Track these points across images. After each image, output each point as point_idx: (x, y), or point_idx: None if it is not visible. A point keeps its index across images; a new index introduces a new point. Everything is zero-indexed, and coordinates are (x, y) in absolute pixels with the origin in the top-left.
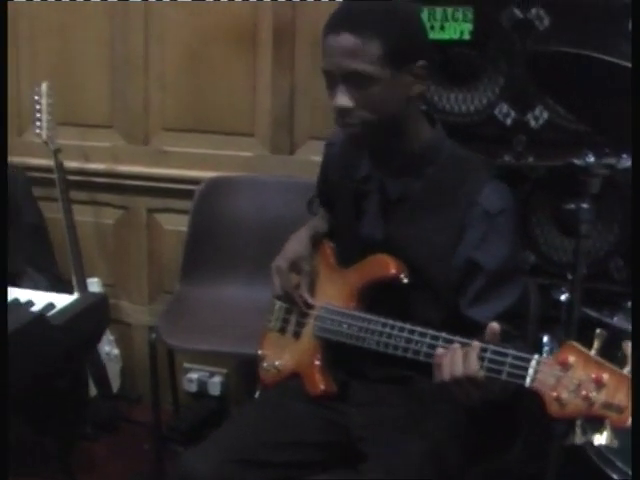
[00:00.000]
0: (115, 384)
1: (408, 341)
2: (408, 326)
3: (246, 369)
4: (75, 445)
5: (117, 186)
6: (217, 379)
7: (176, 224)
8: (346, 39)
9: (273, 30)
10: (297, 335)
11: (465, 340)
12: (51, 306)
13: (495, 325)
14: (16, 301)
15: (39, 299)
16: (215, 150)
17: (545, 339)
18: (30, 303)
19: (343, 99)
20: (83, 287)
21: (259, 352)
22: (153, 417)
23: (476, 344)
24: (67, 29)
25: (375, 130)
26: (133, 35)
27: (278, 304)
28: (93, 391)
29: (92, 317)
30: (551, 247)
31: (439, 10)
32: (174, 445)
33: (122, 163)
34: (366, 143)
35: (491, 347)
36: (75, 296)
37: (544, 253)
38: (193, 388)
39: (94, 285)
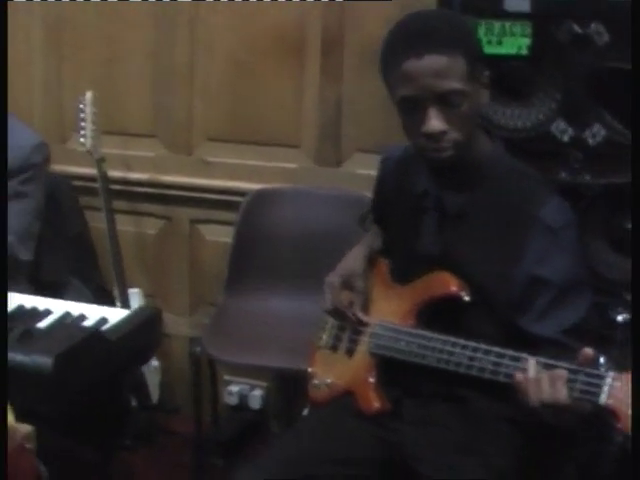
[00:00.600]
0: (154, 395)
1: (471, 359)
2: (471, 343)
3: (287, 383)
4: (114, 456)
5: (160, 196)
6: (257, 392)
7: (219, 235)
8: (433, 60)
9: (321, 40)
10: (350, 352)
11: (547, 360)
12: (104, 320)
13: (589, 351)
14: (68, 315)
15: (91, 313)
16: (259, 161)
17: (602, 360)
18: (82, 317)
19: (437, 123)
20: (125, 298)
21: (309, 370)
22: (194, 429)
23: (562, 373)
24: (112, 38)
25: (465, 150)
26: (178, 44)
27: (330, 321)
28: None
29: (146, 332)
30: (605, 265)
31: (497, 24)
32: (213, 458)
33: (165, 173)
34: (457, 165)
35: (582, 371)
36: (129, 310)
37: (598, 271)
38: (233, 401)
39: (135, 296)
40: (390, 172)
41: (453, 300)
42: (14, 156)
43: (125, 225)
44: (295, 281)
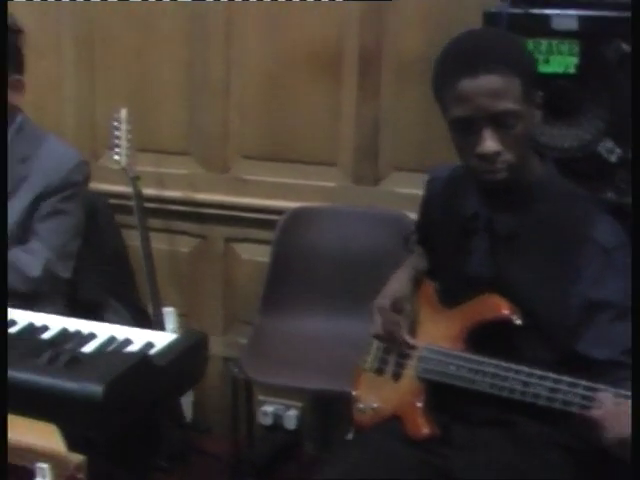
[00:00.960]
0: (187, 414)
1: (525, 384)
2: (525, 368)
3: (322, 403)
4: (149, 477)
5: (194, 214)
6: (292, 412)
7: (254, 254)
8: (488, 80)
9: (358, 56)
10: (397, 376)
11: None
12: (150, 345)
13: None
14: (114, 339)
15: (136, 337)
16: (296, 179)
17: None
18: (128, 341)
19: (492, 144)
20: (159, 317)
21: (353, 393)
22: (231, 450)
23: None
24: (145, 53)
25: (518, 172)
26: (212, 60)
27: (376, 344)
28: None
29: (193, 357)
30: None
31: (544, 43)
32: (248, 478)
33: (199, 191)
34: (509, 187)
35: None
36: (175, 335)
37: None
38: (268, 421)
39: (169, 315)
40: (437, 193)
41: (504, 324)
42: (54, 174)
43: (159, 243)
44: (332, 301)
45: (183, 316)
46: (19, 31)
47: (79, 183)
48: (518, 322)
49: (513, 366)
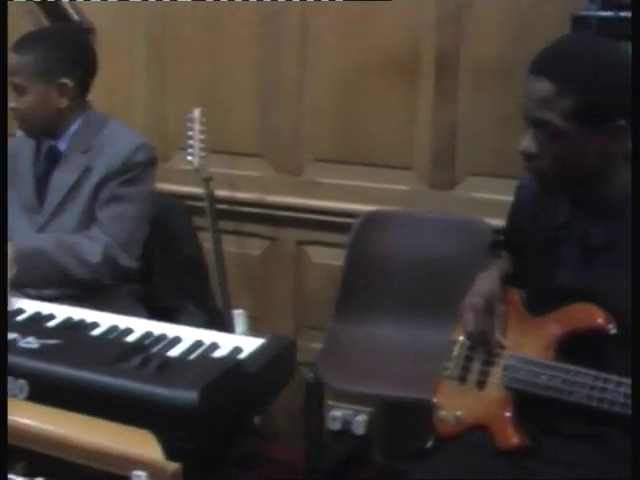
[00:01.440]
0: (255, 418)
1: (627, 396)
2: (625, 380)
3: (392, 409)
4: None
5: (266, 216)
6: (362, 418)
7: (325, 257)
8: (540, 85)
9: (435, 60)
10: (481, 384)
11: None
12: (238, 350)
13: None
14: (200, 344)
15: (223, 342)
16: (370, 183)
17: None
18: (215, 346)
19: (526, 144)
20: (229, 320)
21: (434, 400)
22: (299, 457)
23: None
24: (217, 54)
25: (556, 181)
26: (286, 61)
27: (456, 350)
28: None
29: (282, 363)
30: None
31: None
32: None
33: (271, 193)
34: (549, 190)
35: None
36: (263, 339)
37: None
38: (336, 426)
39: (239, 317)
40: (527, 200)
41: (597, 333)
42: (115, 158)
43: (230, 245)
44: (405, 308)
45: (253, 318)
46: (90, 30)
47: (140, 164)
48: (613, 331)
49: (614, 377)
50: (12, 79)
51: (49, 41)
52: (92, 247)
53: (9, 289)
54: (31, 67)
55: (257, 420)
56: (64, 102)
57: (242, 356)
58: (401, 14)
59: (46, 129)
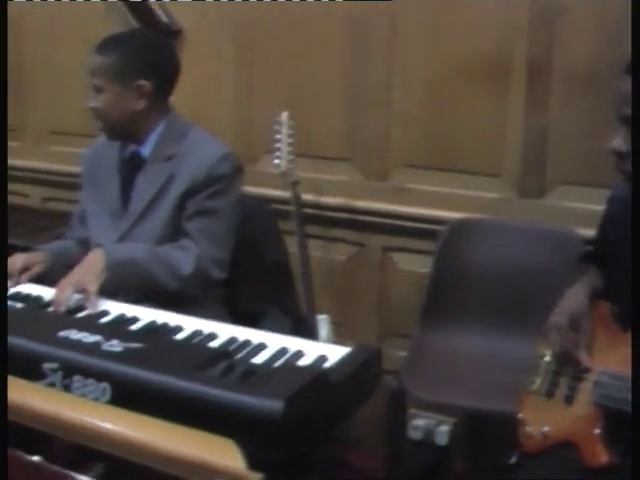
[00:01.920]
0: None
1: None
2: None
3: (476, 420)
4: None
5: (352, 222)
6: (444, 428)
7: (411, 264)
8: (626, 82)
9: (527, 65)
10: (569, 400)
11: None
12: (323, 358)
13: None
14: (285, 351)
15: (308, 349)
16: (458, 190)
17: None
18: (300, 354)
19: (617, 143)
20: (313, 325)
21: (520, 415)
22: (379, 465)
23: None
24: (306, 57)
25: None
26: (375, 66)
27: (544, 365)
28: None
29: (367, 372)
30: None
31: None
32: None
33: (358, 198)
34: None
35: None
36: (348, 348)
37: None
38: (418, 435)
39: (323, 322)
40: (617, 212)
41: None
42: (199, 169)
43: (315, 250)
44: (492, 317)
45: (337, 324)
46: (178, 31)
47: (226, 176)
48: None
49: None
50: (92, 80)
51: (129, 43)
52: (184, 259)
53: (95, 294)
54: (109, 68)
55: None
56: (142, 104)
57: (327, 365)
58: (492, 18)
59: (126, 132)
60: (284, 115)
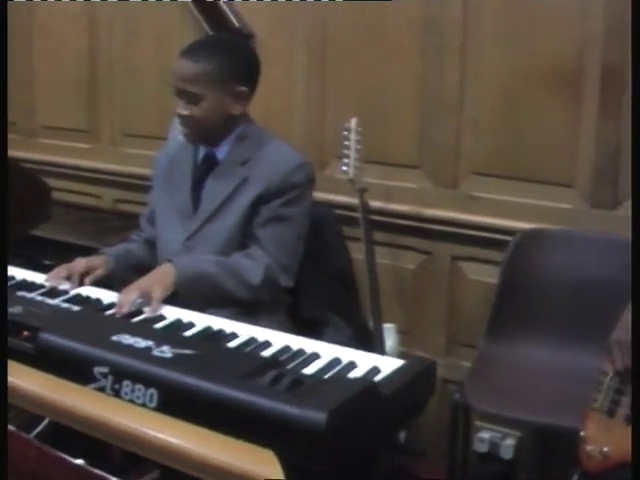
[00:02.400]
0: (401, 435)
1: None
2: None
3: (543, 435)
4: None
5: (421, 230)
6: (510, 442)
7: (480, 274)
8: None
9: (601, 74)
10: (629, 420)
11: None
12: (376, 370)
13: None
14: (337, 362)
15: (361, 360)
16: (529, 199)
17: None
18: (352, 365)
19: None
20: (379, 334)
21: (582, 434)
22: (444, 477)
23: None
24: (378, 63)
25: None
26: (447, 73)
27: (607, 383)
28: None
29: (420, 386)
30: None
31: None
32: None
33: (428, 206)
34: None
35: None
36: (402, 361)
37: None
38: (483, 448)
39: (389, 331)
40: None
41: None
42: (274, 176)
43: (383, 258)
44: (561, 331)
45: (404, 334)
46: (250, 36)
47: (300, 185)
48: None
49: None
50: (185, 86)
51: (224, 48)
52: (253, 268)
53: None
54: (208, 75)
55: (403, 436)
56: (238, 109)
57: (379, 377)
58: (566, 24)
59: (212, 136)
60: (353, 121)
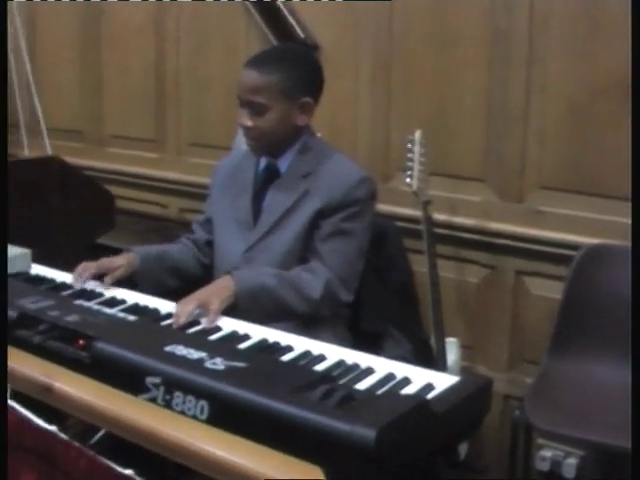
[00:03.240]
0: (462, 451)
1: None
2: None
3: (605, 455)
4: None
5: (485, 244)
6: (572, 461)
7: (545, 290)
8: None
9: None
10: None
11: None
12: (430, 387)
13: None
14: (391, 377)
15: (416, 376)
16: (596, 214)
17: None
18: (406, 381)
19: None
20: (441, 348)
21: None
22: None
23: None
24: (443, 75)
25: None
26: (513, 85)
27: None
28: None
29: (475, 404)
30: None
31: None
32: None
33: (493, 220)
34: None
35: None
36: (457, 378)
37: None
38: (545, 467)
39: (452, 345)
40: None
41: None
42: (336, 190)
43: (446, 271)
44: (627, 349)
45: (467, 348)
46: (315, 47)
47: (362, 200)
48: None
49: None
50: (251, 97)
51: (290, 59)
52: (314, 282)
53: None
54: (277, 86)
55: (463, 453)
56: (303, 120)
57: (432, 394)
58: None
59: (276, 147)
60: (417, 134)
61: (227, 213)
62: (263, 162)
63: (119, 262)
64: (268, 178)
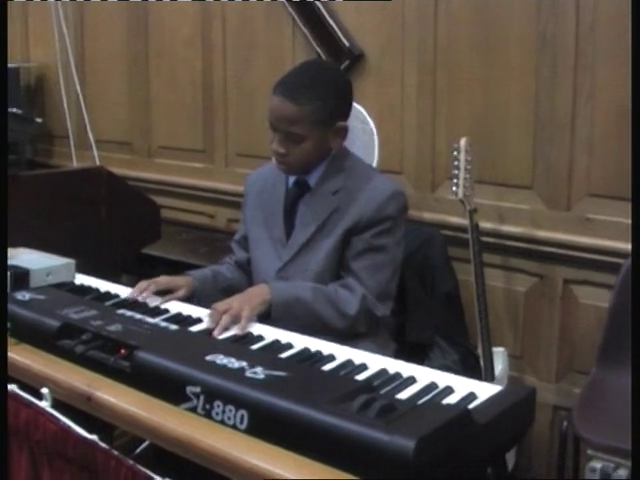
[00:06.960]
0: (510, 462)
1: None
2: None
3: None
4: None
5: (533, 252)
6: (622, 472)
7: (594, 298)
8: None
9: None
10: None
11: None
12: (472, 396)
13: None
14: (433, 386)
15: (459, 386)
16: None
17: None
18: (449, 390)
19: None
20: (488, 357)
21: None
22: None
23: None
24: (490, 83)
25: None
26: (560, 92)
27: None
28: None
29: (518, 414)
30: None
31: None
32: None
33: (540, 228)
34: None
35: None
36: (500, 387)
37: None
38: (595, 477)
39: (499, 355)
40: None
41: None
42: (367, 206)
43: (494, 280)
44: None
45: (515, 358)
46: (359, 56)
47: (393, 217)
48: None
49: None
50: (287, 128)
51: (324, 85)
52: (349, 298)
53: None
54: (312, 116)
55: (512, 464)
56: (338, 143)
57: (474, 404)
58: None
59: (310, 169)
60: (463, 141)
61: (261, 232)
62: (292, 177)
63: (181, 282)
64: (298, 192)
